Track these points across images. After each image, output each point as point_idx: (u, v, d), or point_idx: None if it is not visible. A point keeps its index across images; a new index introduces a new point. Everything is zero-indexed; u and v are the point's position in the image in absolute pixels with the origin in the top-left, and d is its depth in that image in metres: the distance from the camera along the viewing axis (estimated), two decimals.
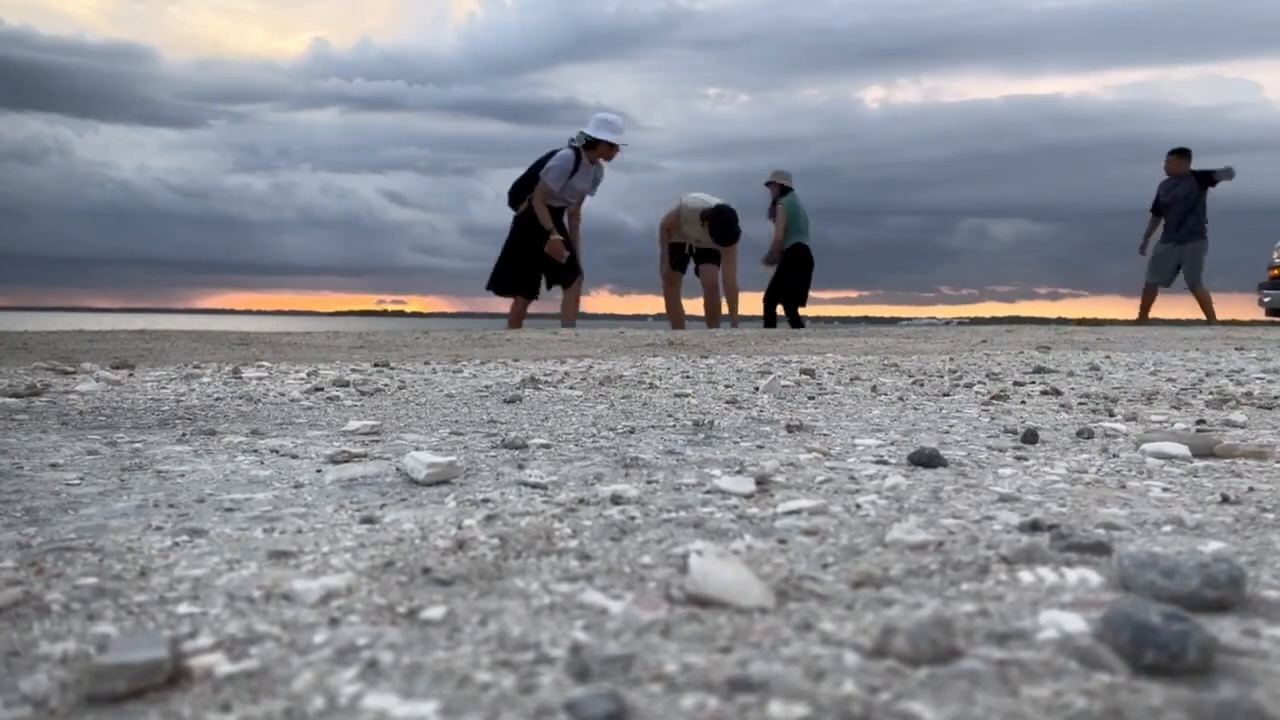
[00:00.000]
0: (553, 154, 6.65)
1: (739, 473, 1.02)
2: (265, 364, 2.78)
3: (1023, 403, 1.85)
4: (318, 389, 2.06)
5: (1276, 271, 9.25)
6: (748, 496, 0.91)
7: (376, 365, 2.78)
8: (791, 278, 8.06)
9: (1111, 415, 1.63)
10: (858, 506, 0.86)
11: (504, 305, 6.68)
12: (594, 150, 6.62)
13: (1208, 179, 8.19)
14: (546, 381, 2.28)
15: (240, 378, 2.34)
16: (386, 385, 2.18)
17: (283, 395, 1.96)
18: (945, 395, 2.00)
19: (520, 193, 6.72)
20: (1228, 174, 8.23)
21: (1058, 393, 2.02)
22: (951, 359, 3.25)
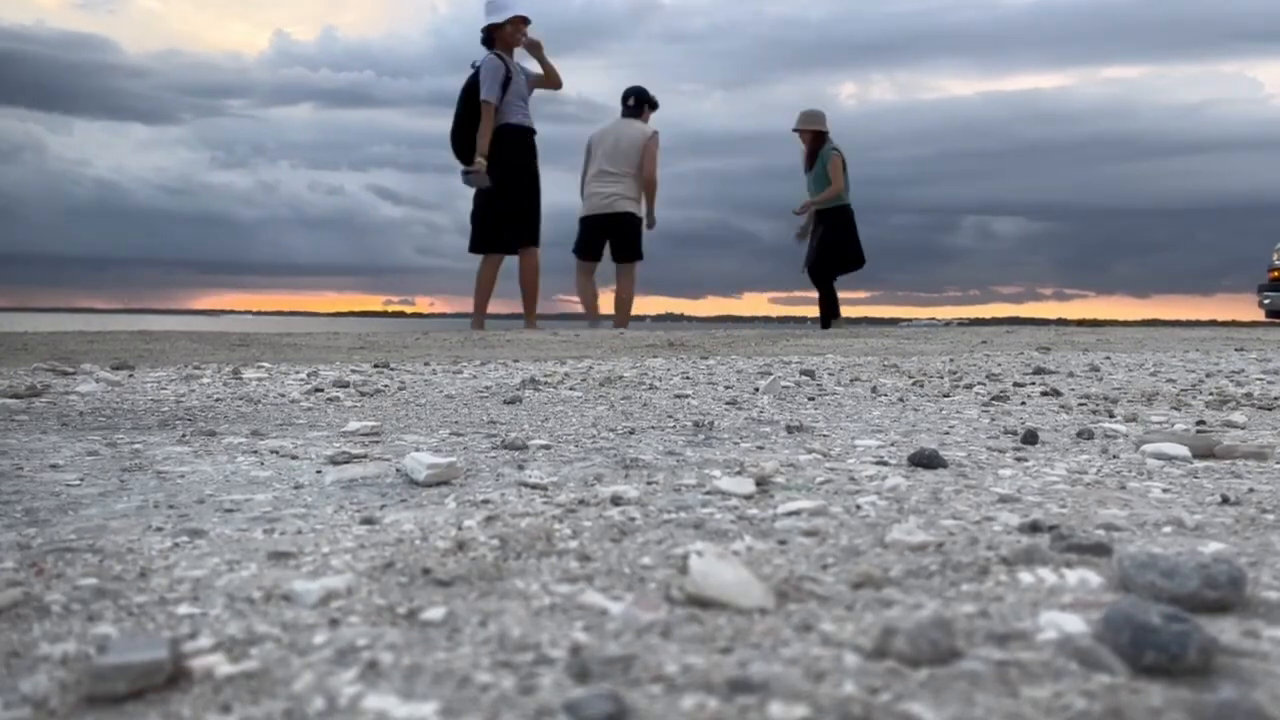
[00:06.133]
0: (475, 75, 5.74)
1: (739, 473, 1.02)
2: (265, 365, 2.78)
3: (1023, 404, 1.85)
4: (318, 390, 2.06)
5: (1277, 274, 9.26)
6: (748, 497, 0.91)
7: (376, 366, 2.78)
8: (843, 241, 6.71)
9: (1111, 416, 1.63)
10: (858, 507, 0.85)
11: (494, 306, 6.02)
12: (498, 43, 5.76)
13: None
14: (546, 382, 2.28)
15: (240, 378, 2.34)
16: (386, 386, 2.18)
17: (283, 396, 1.96)
18: (945, 396, 2.00)
19: (465, 139, 5.75)
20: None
21: (1058, 393, 2.02)
22: (951, 360, 3.25)
